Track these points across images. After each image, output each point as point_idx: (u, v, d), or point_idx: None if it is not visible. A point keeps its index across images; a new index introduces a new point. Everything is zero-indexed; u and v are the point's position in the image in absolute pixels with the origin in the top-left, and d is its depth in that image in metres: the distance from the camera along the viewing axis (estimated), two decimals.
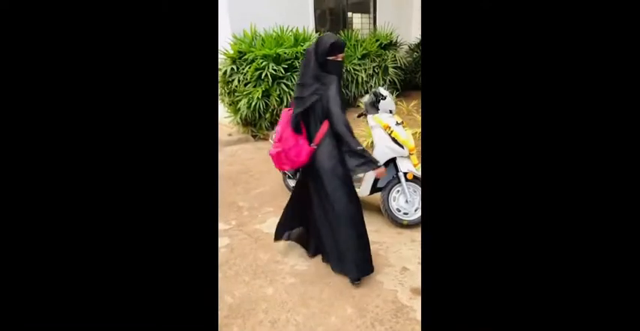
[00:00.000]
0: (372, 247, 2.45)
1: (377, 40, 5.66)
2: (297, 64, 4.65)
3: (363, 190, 2.72)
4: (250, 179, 3.83)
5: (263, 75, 4.57)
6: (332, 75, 1.88)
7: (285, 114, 2.06)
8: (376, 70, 5.49)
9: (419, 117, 4.49)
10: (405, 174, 2.60)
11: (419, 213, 2.63)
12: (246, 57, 4.65)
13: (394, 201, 2.65)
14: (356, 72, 5.30)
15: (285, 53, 4.65)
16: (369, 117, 2.71)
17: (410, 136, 2.63)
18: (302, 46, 4.82)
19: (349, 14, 6.41)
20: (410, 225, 2.64)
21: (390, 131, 2.60)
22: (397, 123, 2.64)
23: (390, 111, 2.74)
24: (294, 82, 4.58)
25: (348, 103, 5.33)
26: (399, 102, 5.17)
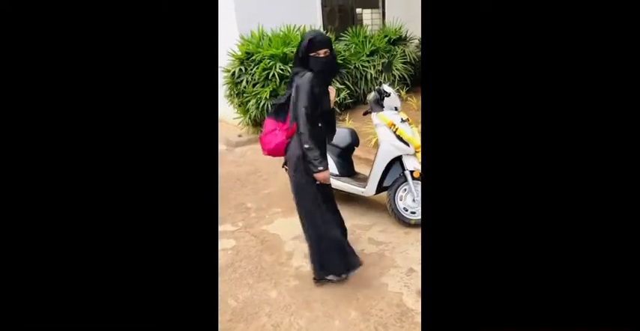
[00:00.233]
0: (377, 248, 2.43)
1: (385, 36, 5.57)
2: None
3: (368, 189, 2.67)
4: (259, 180, 3.82)
5: (270, 75, 4.56)
6: (307, 71, 1.88)
7: None
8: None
9: None
10: (412, 172, 2.53)
11: None
12: (253, 57, 4.64)
13: (401, 200, 2.59)
14: (365, 68, 5.23)
15: (292, 52, 4.61)
16: (373, 114, 2.65)
17: (416, 133, 2.56)
18: None
19: (358, 10, 6.33)
20: (418, 225, 2.57)
21: (395, 129, 2.54)
22: (402, 121, 2.57)
23: (396, 108, 2.67)
24: None
25: (358, 100, 5.27)
26: (408, 98, 5.09)
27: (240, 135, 5.09)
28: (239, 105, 4.96)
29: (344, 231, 2.19)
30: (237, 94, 4.88)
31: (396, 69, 5.40)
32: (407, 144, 2.52)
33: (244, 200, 3.33)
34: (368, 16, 6.41)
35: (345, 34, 5.53)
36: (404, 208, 2.59)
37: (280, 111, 2.00)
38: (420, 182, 2.56)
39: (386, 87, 2.67)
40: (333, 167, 2.91)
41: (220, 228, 2.84)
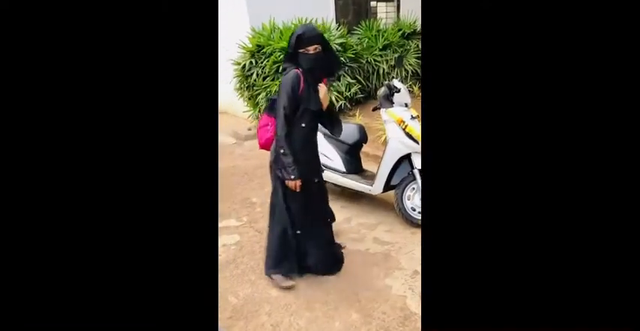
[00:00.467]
0: (383, 248, 2.37)
1: (399, 30, 5.44)
2: None
3: (375, 187, 2.60)
4: (266, 174, 3.76)
5: (281, 68, 4.50)
6: (294, 68, 1.83)
7: None
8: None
9: None
10: (420, 170, 2.46)
11: None
12: (264, 50, 4.58)
13: (409, 199, 2.52)
14: (377, 63, 5.12)
15: None
16: (382, 111, 2.58)
17: None
18: None
19: (373, 3, 6.21)
20: None
21: (405, 125, 2.47)
22: (412, 117, 2.50)
23: (406, 105, 2.60)
24: None
25: (369, 95, 5.18)
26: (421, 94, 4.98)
27: (249, 129, 5.06)
28: (249, 99, 4.92)
29: (325, 232, 2.15)
30: (247, 87, 4.84)
31: (409, 64, 5.28)
32: (416, 141, 2.45)
33: (250, 195, 3.30)
34: (383, 9, 6.28)
35: (358, 27, 5.42)
36: (411, 208, 2.52)
37: (274, 106, 1.98)
38: None
39: (396, 83, 2.59)
40: (340, 164, 2.85)
41: (225, 223, 2.82)
